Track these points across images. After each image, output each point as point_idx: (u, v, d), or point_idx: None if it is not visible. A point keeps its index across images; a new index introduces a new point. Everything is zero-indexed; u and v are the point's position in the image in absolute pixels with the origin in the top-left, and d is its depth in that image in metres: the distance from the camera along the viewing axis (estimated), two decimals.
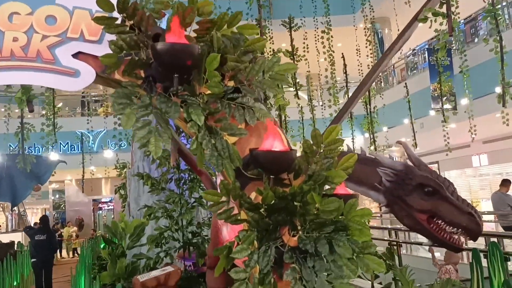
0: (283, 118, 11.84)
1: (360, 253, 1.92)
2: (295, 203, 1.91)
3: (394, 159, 3.90)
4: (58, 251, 17.81)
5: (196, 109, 1.76)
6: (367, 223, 1.99)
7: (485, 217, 14.07)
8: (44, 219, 11.29)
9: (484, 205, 18.03)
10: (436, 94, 12.99)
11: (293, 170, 1.94)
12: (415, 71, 17.28)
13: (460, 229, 3.42)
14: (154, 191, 8.17)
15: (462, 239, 3.51)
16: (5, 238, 14.48)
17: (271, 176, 1.90)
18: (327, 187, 2.35)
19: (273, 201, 1.85)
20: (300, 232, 1.97)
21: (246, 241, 1.81)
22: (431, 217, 3.58)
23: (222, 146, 1.85)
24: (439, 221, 3.53)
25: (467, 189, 21.42)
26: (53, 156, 17.79)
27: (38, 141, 14.06)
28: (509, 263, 4.52)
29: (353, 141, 13.92)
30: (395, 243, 6.45)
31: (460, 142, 16.75)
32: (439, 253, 6.96)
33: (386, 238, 7.84)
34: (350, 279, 1.91)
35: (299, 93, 11.79)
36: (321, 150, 1.92)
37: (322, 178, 1.87)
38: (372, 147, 13.04)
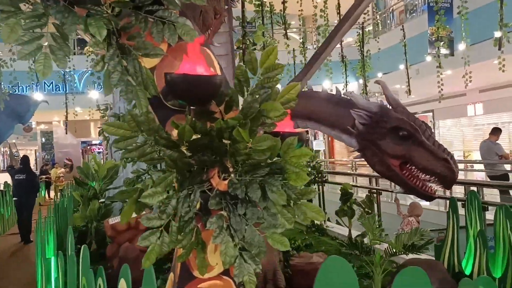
0: None
1: (297, 199, 1.64)
2: (225, 141, 1.61)
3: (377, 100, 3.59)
4: (46, 192, 17.84)
5: (97, 20, 1.42)
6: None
7: (476, 167, 13.95)
8: (24, 159, 11.10)
9: (477, 155, 17.91)
10: (433, 38, 12.44)
11: (222, 101, 1.63)
12: (414, 14, 16.56)
13: (433, 176, 3.17)
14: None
15: (436, 187, 3.27)
16: None
17: (196, 108, 1.60)
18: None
19: (196, 138, 1.55)
20: (232, 175, 1.69)
21: (161, 184, 1.53)
22: (404, 163, 3.33)
23: (135, 70, 1.53)
24: (412, 168, 3.27)
25: (461, 139, 21.30)
26: (38, 96, 17.38)
27: (23, 81, 13.56)
28: (487, 213, 4.33)
29: (346, 87, 13.48)
30: (374, 190, 6.26)
31: (456, 90, 16.36)
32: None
33: (365, 186, 7.70)
34: (285, 228, 1.65)
35: (292, 35, 11.32)
36: (258, 78, 1.60)
37: (254, 111, 1.56)
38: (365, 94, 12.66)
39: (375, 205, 6.19)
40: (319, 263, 4.90)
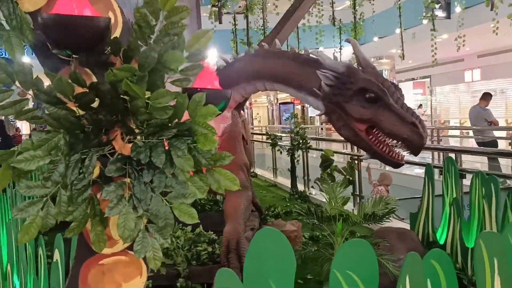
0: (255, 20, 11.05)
1: (209, 165, 1.43)
2: (125, 98, 1.39)
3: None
4: None
5: None
6: None
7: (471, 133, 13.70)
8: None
9: None
10: (430, 0, 11.99)
11: (118, 50, 1.39)
12: None
13: (400, 142, 2.96)
14: None
15: (404, 153, 3.06)
16: None
17: (81, 56, 1.36)
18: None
19: (81, 93, 1.33)
20: (139, 137, 1.48)
21: (42, 147, 1.32)
22: (371, 128, 3.11)
23: (9, 12, 1.29)
24: (379, 132, 3.06)
25: (458, 106, 21.01)
26: (25, 59, 16.99)
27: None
28: (464, 180, 4.14)
29: (340, 51, 13.04)
30: (356, 157, 6.07)
31: (454, 55, 15.95)
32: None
33: (347, 152, 7.51)
34: (196, 198, 1.44)
35: None
36: (160, 22, 1.36)
37: (151, 62, 1.32)
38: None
39: (356, 171, 6.01)
40: (291, 231, 4.76)
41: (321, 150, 7.60)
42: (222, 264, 3.61)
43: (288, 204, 7.08)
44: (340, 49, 13.06)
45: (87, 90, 1.33)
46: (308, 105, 5.56)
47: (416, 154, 2.98)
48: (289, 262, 1.78)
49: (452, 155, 4.41)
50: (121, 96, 1.39)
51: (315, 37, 11.29)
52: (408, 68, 21.90)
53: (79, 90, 1.38)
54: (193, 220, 1.41)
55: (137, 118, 1.43)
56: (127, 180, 1.45)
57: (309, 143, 7.43)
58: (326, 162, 6.19)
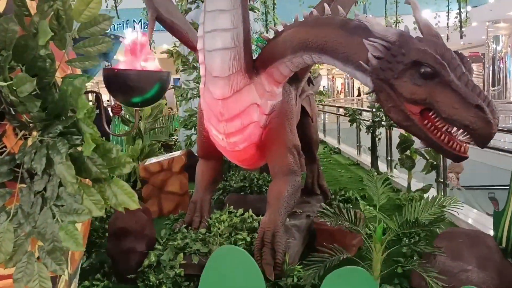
0: None
1: (102, 175, 1.08)
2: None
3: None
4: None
5: None
6: None
7: None
8: (96, 97, 11.57)
9: None
10: None
11: None
12: None
13: (461, 129, 2.33)
14: (186, 70, 7.60)
15: (469, 143, 2.40)
16: None
17: None
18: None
19: None
20: (35, 133, 1.17)
21: None
22: (427, 111, 2.49)
23: None
24: (436, 117, 2.44)
25: None
26: (128, 34, 17.84)
27: None
28: None
29: (447, 16, 11.58)
30: None
31: None
32: None
33: None
34: (91, 216, 1.10)
35: None
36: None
37: (12, 37, 0.99)
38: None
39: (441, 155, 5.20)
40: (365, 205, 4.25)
41: None
42: (255, 258, 3.29)
43: (365, 187, 6.48)
44: (448, 13, 11.57)
45: None
46: None
47: (482, 146, 2.32)
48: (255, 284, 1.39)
49: None
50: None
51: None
52: None
53: None
54: (77, 248, 1.07)
55: (26, 110, 1.11)
56: (20, 186, 1.16)
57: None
58: (405, 143, 5.46)
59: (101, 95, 1.69)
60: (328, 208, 2.83)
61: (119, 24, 17.28)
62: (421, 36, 2.61)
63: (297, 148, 3.87)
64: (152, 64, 1.45)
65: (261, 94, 3.62)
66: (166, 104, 21.09)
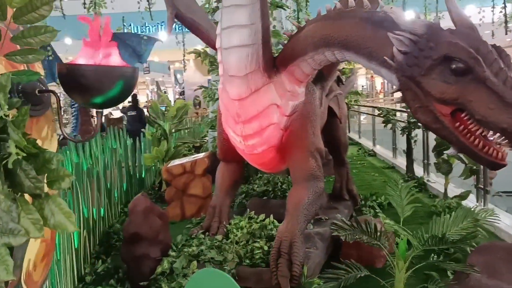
0: None
1: (36, 189, 0.90)
2: None
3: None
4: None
5: None
6: None
7: None
8: (133, 97, 11.72)
9: None
10: None
11: None
12: None
13: (497, 132, 2.04)
14: (214, 71, 7.47)
15: (505, 149, 2.11)
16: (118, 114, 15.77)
17: None
18: None
19: None
20: None
21: None
22: (459, 111, 2.21)
23: None
24: (469, 118, 2.16)
25: None
26: (162, 35, 18.02)
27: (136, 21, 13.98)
28: None
29: (492, 11, 10.92)
30: None
31: None
32: None
33: None
34: (28, 237, 0.93)
35: None
36: None
37: None
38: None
39: None
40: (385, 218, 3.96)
41: None
42: (270, 270, 3.08)
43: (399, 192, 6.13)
44: (493, 7, 10.95)
45: None
46: None
47: None
48: None
49: None
50: None
51: None
52: None
53: None
54: (7, 276, 0.90)
55: None
56: None
57: None
58: (441, 147, 5.10)
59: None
60: (344, 219, 2.58)
61: (154, 25, 17.45)
62: (454, 28, 2.33)
63: (320, 151, 3.62)
64: (114, 59, 1.26)
65: (282, 94, 3.41)
66: (199, 105, 21.22)
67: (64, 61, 14.01)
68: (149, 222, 3.51)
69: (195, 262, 3.27)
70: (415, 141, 6.79)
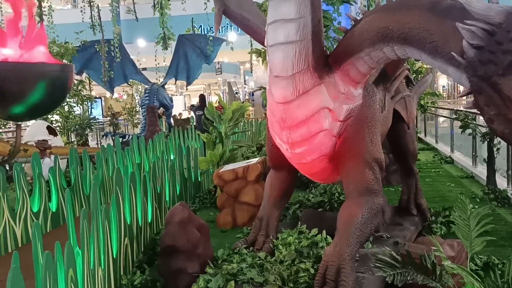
0: None
1: None
2: None
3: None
4: None
5: None
6: None
7: None
8: (201, 97, 11.84)
9: None
10: None
11: None
12: None
13: None
14: None
15: None
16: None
17: None
18: None
19: None
20: None
21: None
22: None
23: None
24: None
25: None
26: (232, 36, 18.05)
27: (205, 22, 14.04)
28: None
29: None
30: None
31: None
32: None
33: None
34: None
35: None
36: None
37: None
38: None
39: None
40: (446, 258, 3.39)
41: None
42: None
43: (477, 206, 5.42)
44: None
45: None
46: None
47: None
48: None
49: None
50: None
51: None
52: None
53: None
54: None
55: None
56: None
57: None
58: None
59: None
60: (391, 252, 2.13)
61: (223, 26, 17.51)
62: None
63: (379, 162, 3.17)
64: (37, 53, 0.95)
65: (335, 97, 3.02)
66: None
67: (137, 64, 14.36)
68: (187, 234, 3.26)
69: (232, 283, 2.96)
70: (497, 149, 6.00)
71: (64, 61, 12.06)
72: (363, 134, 3.16)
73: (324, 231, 3.58)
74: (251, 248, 3.59)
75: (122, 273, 3.58)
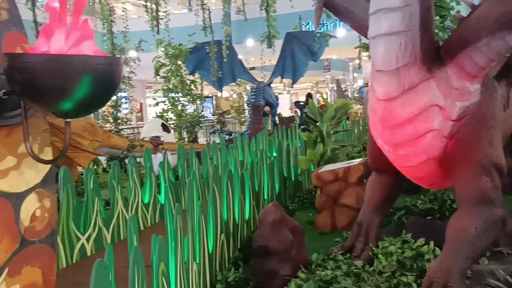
0: None
1: None
2: None
3: None
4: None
5: None
6: None
7: None
8: (308, 95, 11.74)
9: None
10: None
11: None
12: None
13: None
14: None
15: None
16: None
17: None
18: None
19: None
20: None
21: None
22: None
23: None
24: None
25: None
26: (340, 32, 17.58)
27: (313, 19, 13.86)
28: None
29: None
30: None
31: None
32: None
33: None
34: None
35: None
36: None
37: None
38: None
39: None
40: None
41: None
42: None
43: None
44: None
45: None
46: None
47: None
48: None
49: None
50: None
51: None
52: None
53: None
54: None
55: None
56: None
57: None
58: None
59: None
60: (506, 276, 1.79)
61: (332, 22, 17.15)
62: None
63: (499, 167, 2.76)
64: (86, 47, 0.86)
65: (446, 93, 2.70)
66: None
67: (245, 63, 14.70)
68: (279, 236, 3.16)
69: None
70: None
71: (178, 62, 12.77)
72: (480, 135, 2.78)
73: (431, 242, 3.24)
74: (348, 254, 3.38)
75: (217, 269, 3.60)
